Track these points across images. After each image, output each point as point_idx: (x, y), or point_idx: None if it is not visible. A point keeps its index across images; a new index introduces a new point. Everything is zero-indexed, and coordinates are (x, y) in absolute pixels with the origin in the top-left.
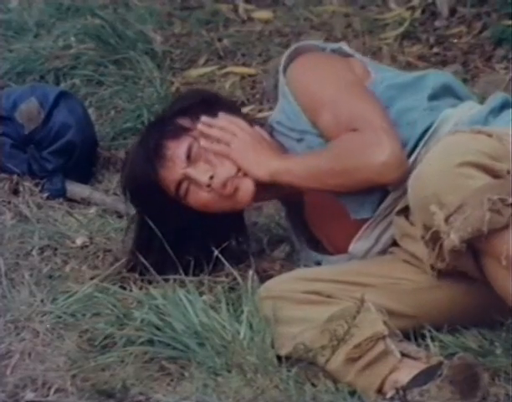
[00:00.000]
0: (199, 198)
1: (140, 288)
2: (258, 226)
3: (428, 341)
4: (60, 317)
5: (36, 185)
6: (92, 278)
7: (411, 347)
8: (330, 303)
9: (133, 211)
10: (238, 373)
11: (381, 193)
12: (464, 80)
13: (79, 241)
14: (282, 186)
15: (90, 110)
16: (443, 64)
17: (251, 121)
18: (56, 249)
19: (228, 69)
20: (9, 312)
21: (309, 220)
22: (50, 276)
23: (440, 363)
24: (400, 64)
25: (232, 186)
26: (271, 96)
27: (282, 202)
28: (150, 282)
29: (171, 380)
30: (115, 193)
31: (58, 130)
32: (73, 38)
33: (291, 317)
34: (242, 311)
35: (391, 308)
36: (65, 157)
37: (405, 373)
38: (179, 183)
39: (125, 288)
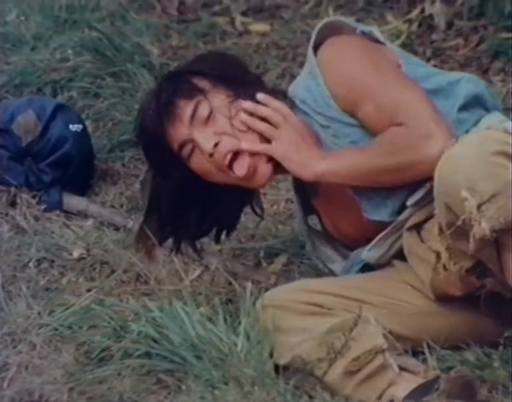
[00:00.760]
0: (200, 163)
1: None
2: (256, 238)
3: (426, 354)
4: (57, 330)
5: (33, 197)
6: (89, 290)
7: (409, 361)
8: (331, 315)
9: (130, 224)
10: (235, 386)
11: (399, 200)
12: None
13: (75, 253)
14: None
15: (87, 123)
16: None
17: (275, 92)
18: (53, 261)
19: None
20: (6, 325)
21: (317, 203)
22: (47, 289)
23: (437, 377)
24: None
25: (253, 166)
26: None
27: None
28: (147, 294)
29: (169, 393)
30: (111, 206)
31: (55, 142)
32: (70, 51)
33: (292, 327)
34: (239, 323)
35: (390, 329)
36: (62, 169)
37: (402, 388)
38: (183, 144)
39: (121, 300)
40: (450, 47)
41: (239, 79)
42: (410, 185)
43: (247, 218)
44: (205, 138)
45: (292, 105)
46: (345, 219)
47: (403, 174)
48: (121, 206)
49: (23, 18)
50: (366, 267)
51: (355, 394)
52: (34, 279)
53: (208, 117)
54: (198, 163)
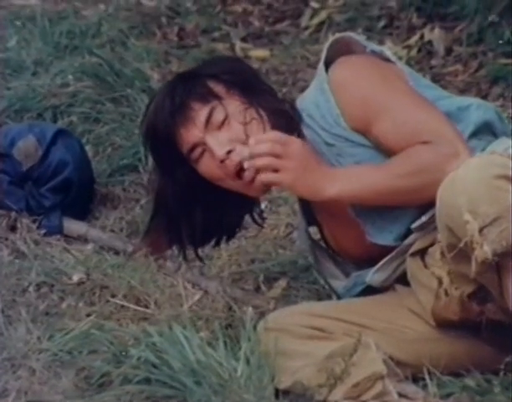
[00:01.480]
0: (209, 167)
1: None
2: (255, 263)
3: (427, 380)
4: (57, 355)
5: (33, 222)
6: (88, 315)
7: (409, 389)
8: (332, 339)
9: (130, 248)
10: None
11: (404, 225)
12: None
13: (75, 278)
14: None
15: (88, 148)
16: None
17: (285, 102)
18: (53, 285)
19: None
20: (6, 350)
21: (319, 215)
22: (47, 313)
23: None
24: None
25: (252, 173)
26: None
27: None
28: (146, 319)
29: None
30: (112, 230)
31: (55, 167)
32: (70, 77)
33: (293, 351)
34: (239, 348)
35: (391, 354)
36: (63, 193)
37: None
38: (194, 146)
39: (121, 325)
40: (449, 72)
41: (253, 86)
42: (415, 209)
43: (247, 242)
44: (219, 144)
45: (300, 119)
46: (347, 235)
47: (426, 193)
48: (121, 230)
49: (23, 44)
50: (368, 287)
51: None
52: (34, 303)
53: (223, 123)
54: (206, 167)
